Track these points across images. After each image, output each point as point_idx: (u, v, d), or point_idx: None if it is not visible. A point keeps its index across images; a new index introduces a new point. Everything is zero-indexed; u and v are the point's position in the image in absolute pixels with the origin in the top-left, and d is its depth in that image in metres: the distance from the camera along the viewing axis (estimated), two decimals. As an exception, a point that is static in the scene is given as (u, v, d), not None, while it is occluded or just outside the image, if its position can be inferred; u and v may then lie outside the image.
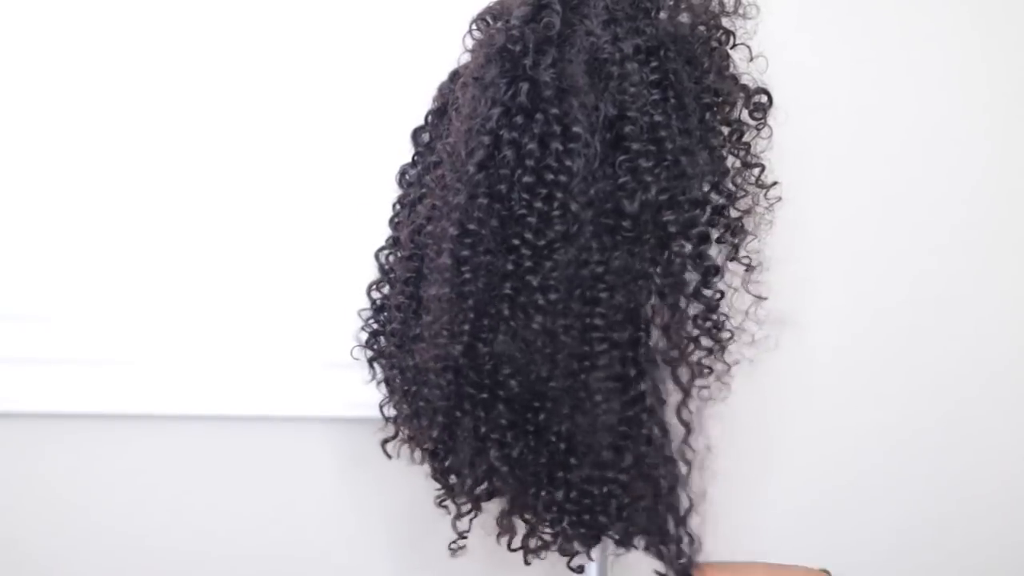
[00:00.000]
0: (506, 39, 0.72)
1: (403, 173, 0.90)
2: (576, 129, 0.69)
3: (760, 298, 0.83)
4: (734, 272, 0.79)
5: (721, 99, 0.77)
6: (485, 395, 0.74)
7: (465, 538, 0.86)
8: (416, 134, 0.89)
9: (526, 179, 0.69)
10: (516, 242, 0.70)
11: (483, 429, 0.75)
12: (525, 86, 0.70)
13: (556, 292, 0.70)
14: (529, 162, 0.69)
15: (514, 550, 0.83)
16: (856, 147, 1.05)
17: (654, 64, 0.72)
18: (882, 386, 1.07)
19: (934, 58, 1.05)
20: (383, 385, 0.88)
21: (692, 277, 0.75)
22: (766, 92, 0.81)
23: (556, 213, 0.69)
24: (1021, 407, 1.07)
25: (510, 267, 0.70)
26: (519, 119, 0.70)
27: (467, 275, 0.71)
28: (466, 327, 0.72)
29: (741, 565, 0.85)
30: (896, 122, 1.05)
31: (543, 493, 0.77)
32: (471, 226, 0.71)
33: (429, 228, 0.78)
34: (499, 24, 0.76)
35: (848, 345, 1.07)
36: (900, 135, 1.05)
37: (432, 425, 0.78)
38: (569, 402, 0.74)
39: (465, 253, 0.71)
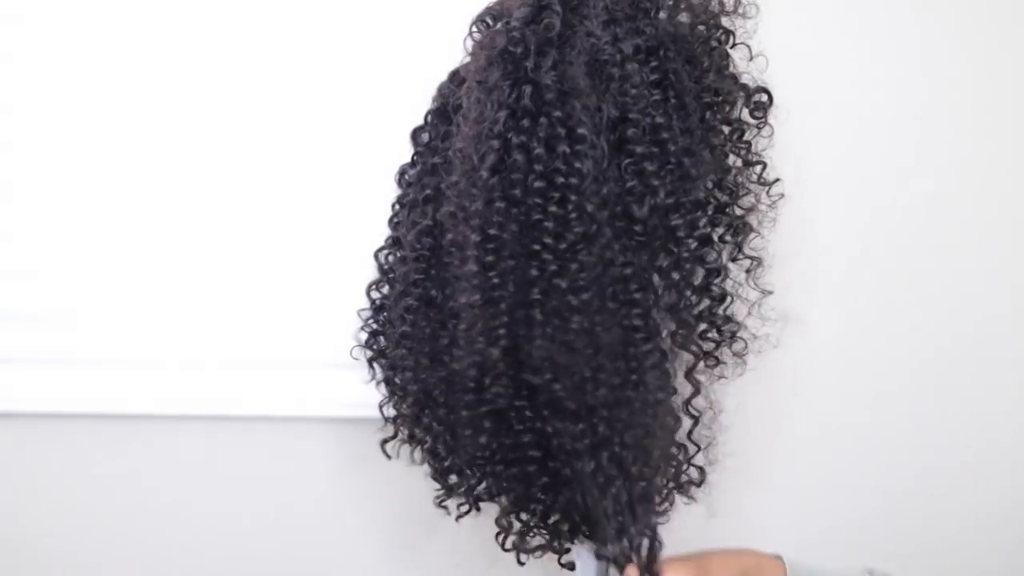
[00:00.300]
0: (507, 41, 0.71)
1: (403, 173, 0.90)
2: (581, 131, 0.69)
3: (766, 292, 0.83)
4: (739, 268, 0.79)
5: (721, 98, 0.77)
6: (526, 400, 0.74)
7: (471, 510, 0.86)
8: (416, 134, 0.89)
9: (537, 184, 0.69)
10: (536, 247, 0.70)
11: (526, 437, 0.74)
12: (528, 88, 0.70)
13: (588, 291, 0.69)
14: (538, 166, 0.69)
15: (508, 550, 0.83)
16: (858, 145, 1.05)
17: (654, 64, 0.72)
18: (885, 384, 1.07)
19: (936, 56, 1.05)
20: (383, 385, 0.88)
21: (697, 277, 0.75)
22: (766, 91, 0.81)
23: (573, 215, 0.69)
24: (1017, 414, 1.07)
25: (535, 272, 0.70)
26: (525, 122, 0.70)
27: (495, 280, 0.71)
28: (501, 331, 0.72)
29: (699, 554, 0.84)
30: (898, 120, 1.05)
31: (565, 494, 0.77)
32: (492, 231, 0.71)
33: (450, 236, 0.77)
34: (499, 26, 0.76)
35: (851, 343, 1.07)
36: (902, 133, 1.05)
37: (478, 431, 0.77)
38: (622, 405, 0.74)
39: (490, 259, 0.71)
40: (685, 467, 0.83)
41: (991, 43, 1.05)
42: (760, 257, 0.80)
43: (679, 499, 0.85)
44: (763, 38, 0.84)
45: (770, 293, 0.83)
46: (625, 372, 0.72)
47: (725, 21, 0.80)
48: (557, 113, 0.69)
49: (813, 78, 1.03)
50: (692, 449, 0.83)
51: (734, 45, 0.81)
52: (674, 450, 0.80)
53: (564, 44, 0.71)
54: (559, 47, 0.71)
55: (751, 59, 0.83)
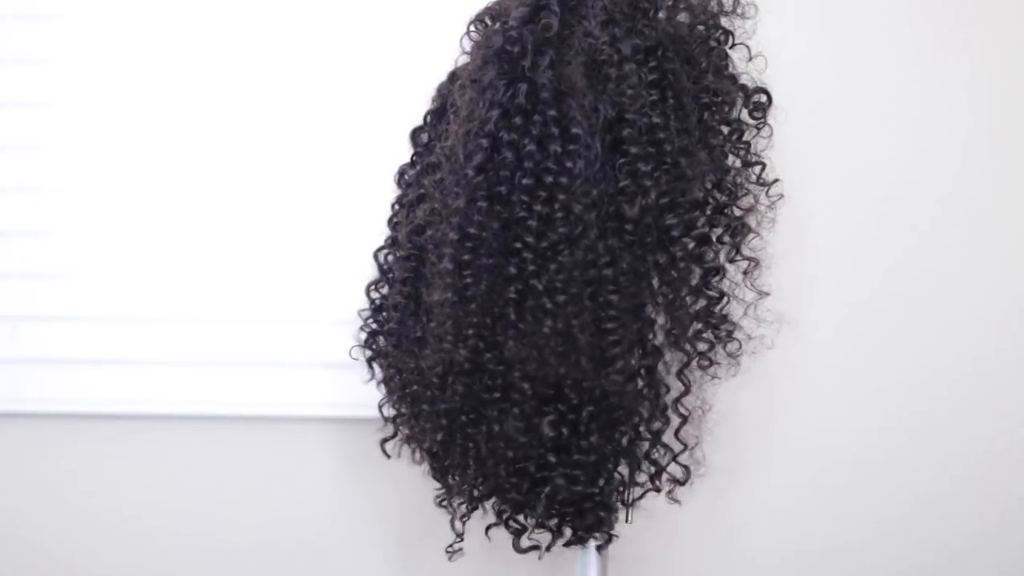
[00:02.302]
0: (504, 40, 0.71)
1: (402, 173, 0.90)
2: (575, 130, 0.68)
3: (763, 294, 0.82)
4: (736, 269, 0.79)
5: (720, 99, 0.77)
6: (497, 395, 0.74)
7: (462, 540, 0.86)
8: (415, 134, 0.89)
9: (525, 181, 0.69)
10: (518, 245, 0.70)
11: (496, 428, 0.75)
12: (524, 87, 0.69)
13: (563, 294, 0.69)
14: (528, 164, 0.69)
15: (525, 550, 0.83)
16: (856, 146, 1.05)
17: (652, 64, 0.72)
18: (882, 384, 1.07)
19: (934, 56, 1.05)
20: (382, 385, 0.88)
21: (693, 277, 0.75)
22: (765, 91, 0.81)
23: (559, 215, 0.69)
24: (1010, 413, 1.07)
25: (513, 271, 0.70)
26: (517, 120, 0.70)
27: (469, 279, 0.71)
28: (470, 331, 0.72)
29: None
30: (896, 120, 1.05)
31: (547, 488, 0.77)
32: (471, 230, 0.71)
33: (429, 232, 0.77)
34: (497, 25, 0.76)
35: (848, 343, 1.07)
36: (900, 133, 1.05)
37: (435, 428, 0.78)
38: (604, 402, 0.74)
39: (466, 257, 0.71)
40: (667, 464, 0.82)
41: (991, 42, 1.05)
42: (758, 258, 0.80)
43: (665, 498, 0.85)
44: (762, 38, 0.84)
45: (767, 295, 0.83)
46: (596, 372, 0.73)
47: (724, 21, 0.80)
48: (552, 112, 0.69)
49: (812, 78, 1.03)
50: (678, 447, 0.83)
51: (733, 45, 0.81)
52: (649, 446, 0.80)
53: (562, 44, 0.71)
54: (557, 47, 0.71)
55: (750, 59, 0.83)
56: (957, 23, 1.05)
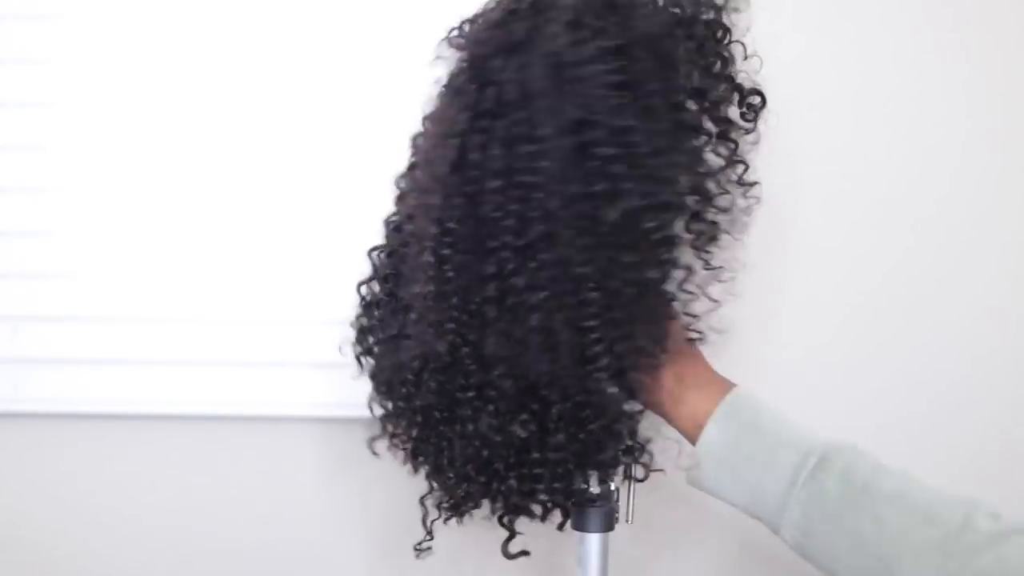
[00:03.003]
0: (472, 43, 0.72)
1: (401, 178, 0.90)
2: (541, 131, 0.68)
3: (715, 301, 0.81)
4: (708, 275, 0.78)
5: (707, 100, 0.76)
6: (472, 394, 0.74)
7: (431, 537, 0.86)
8: (415, 138, 0.89)
9: (495, 183, 0.69)
10: (495, 244, 0.70)
11: (471, 427, 0.75)
12: (491, 91, 0.70)
13: (545, 290, 0.69)
14: (497, 164, 0.69)
15: (514, 556, 0.83)
16: (853, 146, 1.05)
17: (621, 64, 0.71)
18: (880, 385, 1.07)
19: (933, 56, 1.05)
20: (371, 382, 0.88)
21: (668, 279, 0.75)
22: (759, 92, 0.80)
23: (534, 215, 0.68)
24: (1009, 413, 1.06)
25: (491, 269, 0.70)
26: (484, 122, 0.70)
27: (450, 273, 0.71)
28: (451, 325, 0.72)
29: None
30: (894, 121, 1.05)
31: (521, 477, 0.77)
32: (450, 224, 0.71)
33: (410, 227, 0.78)
34: (467, 28, 0.77)
35: (848, 344, 1.07)
36: (898, 134, 1.05)
37: (410, 424, 0.78)
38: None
39: (446, 252, 0.71)
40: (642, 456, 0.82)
41: (987, 43, 1.04)
42: (722, 266, 0.79)
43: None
44: (756, 37, 0.83)
45: (717, 303, 0.81)
46: (578, 372, 0.72)
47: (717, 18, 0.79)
48: (518, 114, 0.68)
49: (806, 79, 1.03)
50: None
51: (728, 43, 0.80)
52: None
53: (529, 47, 0.71)
54: (524, 50, 0.71)
55: (744, 59, 0.83)
56: (956, 23, 1.05)
